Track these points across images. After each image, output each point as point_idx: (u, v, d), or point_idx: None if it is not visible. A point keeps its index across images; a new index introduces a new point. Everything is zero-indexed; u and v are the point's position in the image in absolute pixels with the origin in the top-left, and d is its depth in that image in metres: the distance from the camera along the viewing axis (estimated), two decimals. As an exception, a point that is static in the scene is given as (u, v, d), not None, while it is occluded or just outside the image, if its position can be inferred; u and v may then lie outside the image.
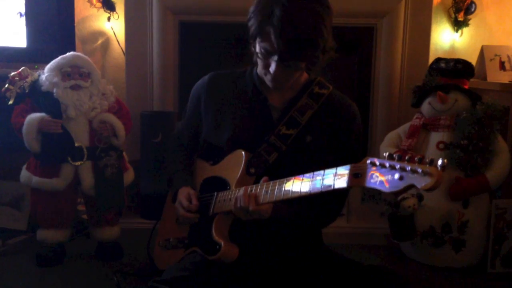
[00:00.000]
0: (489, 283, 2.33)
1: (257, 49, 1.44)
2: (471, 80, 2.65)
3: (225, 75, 1.64)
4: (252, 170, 1.48)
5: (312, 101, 1.52)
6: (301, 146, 1.49)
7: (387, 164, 1.08)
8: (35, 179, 2.32)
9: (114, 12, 3.02)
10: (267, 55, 1.42)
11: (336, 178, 1.19)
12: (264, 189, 1.35)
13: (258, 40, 1.42)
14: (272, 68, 1.42)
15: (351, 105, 1.56)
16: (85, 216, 2.63)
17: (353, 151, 1.52)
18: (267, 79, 1.48)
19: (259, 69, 1.51)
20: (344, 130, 1.52)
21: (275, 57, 1.39)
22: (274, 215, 1.39)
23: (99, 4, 3.00)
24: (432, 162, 1.02)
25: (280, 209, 1.42)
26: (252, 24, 1.42)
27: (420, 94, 2.58)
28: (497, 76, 2.93)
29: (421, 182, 1.02)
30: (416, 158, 1.04)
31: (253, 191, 1.37)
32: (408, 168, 1.04)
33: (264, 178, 1.38)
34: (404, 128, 2.65)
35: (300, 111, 1.51)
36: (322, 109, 1.52)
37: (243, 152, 1.49)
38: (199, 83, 1.66)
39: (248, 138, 1.52)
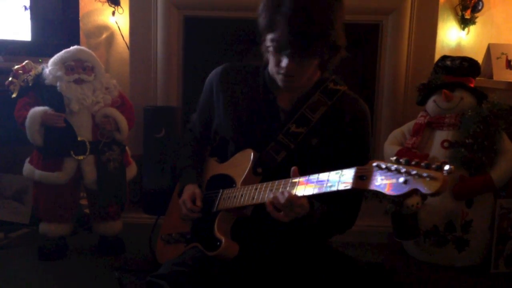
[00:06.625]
0: (492, 283, 2.32)
1: (268, 44, 1.39)
2: (477, 78, 2.63)
3: (239, 68, 1.60)
4: (259, 170, 1.47)
5: (325, 98, 1.47)
6: (308, 147, 1.46)
7: (392, 168, 1.07)
8: (38, 173, 2.32)
9: (119, 7, 3.02)
10: (278, 49, 1.36)
11: (340, 180, 1.18)
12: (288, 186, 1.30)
13: (269, 33, 1.36)
14: (284, 63, 1.36)
15: (363, 106, 1.51)
16: (87, 210, 2.63)
17: (361, 155, 1.47)
18: (278, 78, 1.43)
19: (270, 67, 1.45)
20: (353, 133, 1.46)
21: (287, 51, 1.34)
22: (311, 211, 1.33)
23: (104, -1, 3.00)
24: (439, 168, 1.01)
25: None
26: (263, 17, 1.38)
27: (425, 92, 2.56)
28: (503, 75, 2.91)
29: (426, 187, 1.01)
30: (423, 164, 1.03)
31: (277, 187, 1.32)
32: (414, 172, 1.03)
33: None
34: (408, 126, 2.63)
35: (312, 108, 1.46)
36: (334, 107, 1.47)
37: (251, 152, 1.48)
38: (212, 74, 1.62)
39: (254, 137, 1.50)
